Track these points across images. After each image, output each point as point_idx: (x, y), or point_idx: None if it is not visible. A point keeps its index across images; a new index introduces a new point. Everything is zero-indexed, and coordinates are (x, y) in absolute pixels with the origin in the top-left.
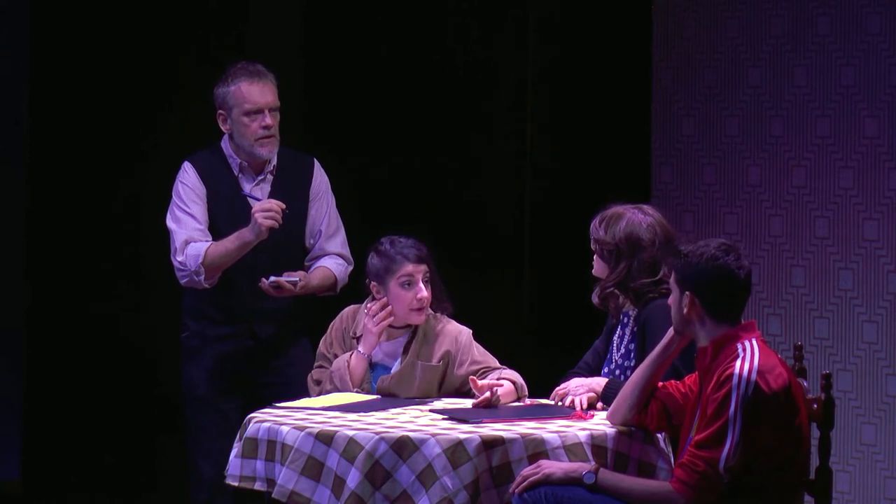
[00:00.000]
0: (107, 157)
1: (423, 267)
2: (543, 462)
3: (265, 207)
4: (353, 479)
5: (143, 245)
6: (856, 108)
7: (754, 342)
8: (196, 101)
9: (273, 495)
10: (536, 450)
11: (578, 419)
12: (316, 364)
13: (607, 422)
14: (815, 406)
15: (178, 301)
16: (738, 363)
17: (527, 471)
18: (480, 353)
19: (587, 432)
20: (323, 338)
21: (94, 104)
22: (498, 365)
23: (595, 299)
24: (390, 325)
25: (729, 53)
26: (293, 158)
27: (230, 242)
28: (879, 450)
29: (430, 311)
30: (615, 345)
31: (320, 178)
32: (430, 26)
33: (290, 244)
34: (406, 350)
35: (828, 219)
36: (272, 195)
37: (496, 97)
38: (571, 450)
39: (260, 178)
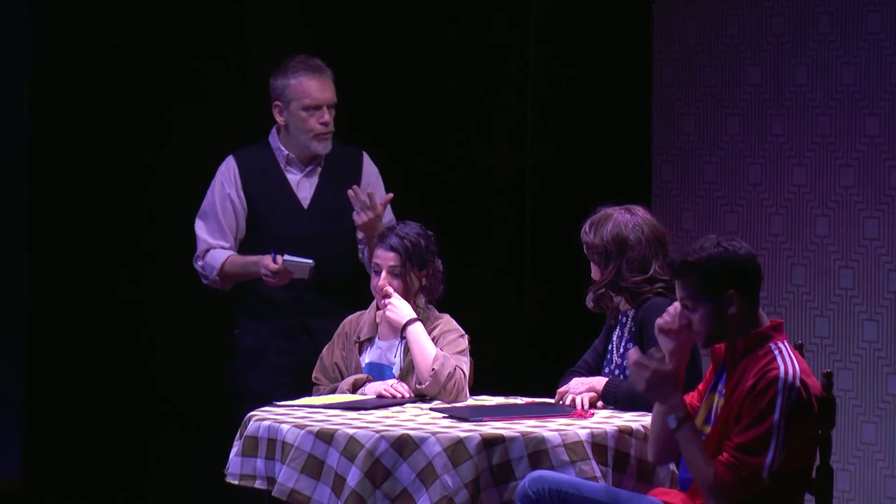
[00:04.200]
0: (107, 156)
1: (391, 255)
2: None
3: (273, 271)
4: (353, 477)
5: (144, 245)
6: (857, 107)
7: (787, 345)
8: (196, 99)
9: (273, 493)
10: (537, 448)
11: (579, 418)
12: (316, 370)
13: (608, 420)
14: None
15: (177, 301)
16: (782, 366)
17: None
18: (450, 343)
19: (587, 431)
20: (327, 345)
21: (95, 104)
22: (453, 358)
23: (589, 303)
24: (388, 323)
25: (729, 52)
26: (341, 152)
27: (243, 268)
28: (880, 448)
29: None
30: (614, 344)
31: (369, 171)
32: (430, 26)
33: (339, 237)
34: (407, 349)
35: (828, 217)
36: (319, 188)
37: (496, 97)
38: (572, 448)
39: (308, 169)
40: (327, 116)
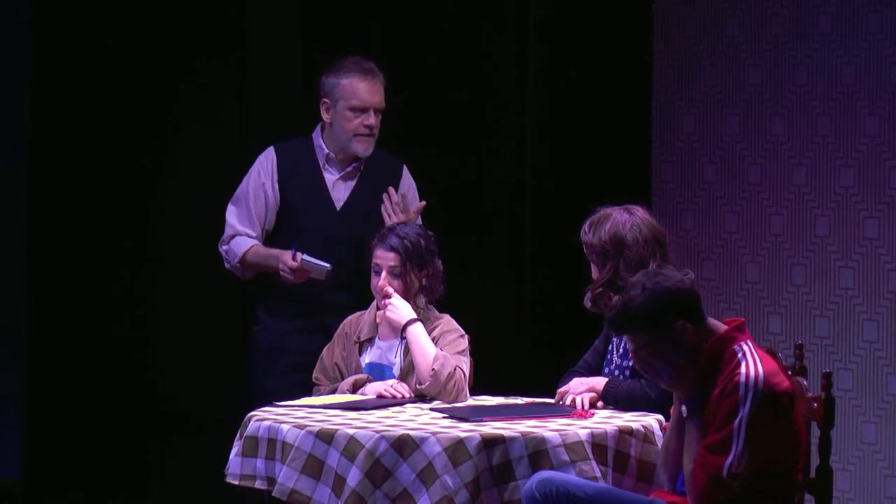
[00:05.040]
0: (107, 156)
1: (391, 255)
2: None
3: (291, 268)
4: (353, 477)
5: (145, 245)
6: (856, 107)
7: (751, 345)
8: (196, 99)
9: (273, 494)
10: (537, 448)
11: (579, 418)
12: (316, 370)
13: (608, 420)
14: (816, 405)
15: (177, 301)
16: (744, 370)
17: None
18: (450, 343)
19: (588, 431)
20: (327, 345)
21: (95, 104)
22: (453, 358)
23: (587, 302)
24: (389, 323)
25: (729, 52)
26: (381, 160)
27: (265, 259)
28: (880, 448)
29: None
30: (614, 344)
31: (407, 183)
32: (430, 26)
33: (367, 241)
34: (407, 349)
35: (828, 217)
36: (355, 191)
37: (496, 97)
38: (572, 448)
39: (346, 170)
40: (372, 120)
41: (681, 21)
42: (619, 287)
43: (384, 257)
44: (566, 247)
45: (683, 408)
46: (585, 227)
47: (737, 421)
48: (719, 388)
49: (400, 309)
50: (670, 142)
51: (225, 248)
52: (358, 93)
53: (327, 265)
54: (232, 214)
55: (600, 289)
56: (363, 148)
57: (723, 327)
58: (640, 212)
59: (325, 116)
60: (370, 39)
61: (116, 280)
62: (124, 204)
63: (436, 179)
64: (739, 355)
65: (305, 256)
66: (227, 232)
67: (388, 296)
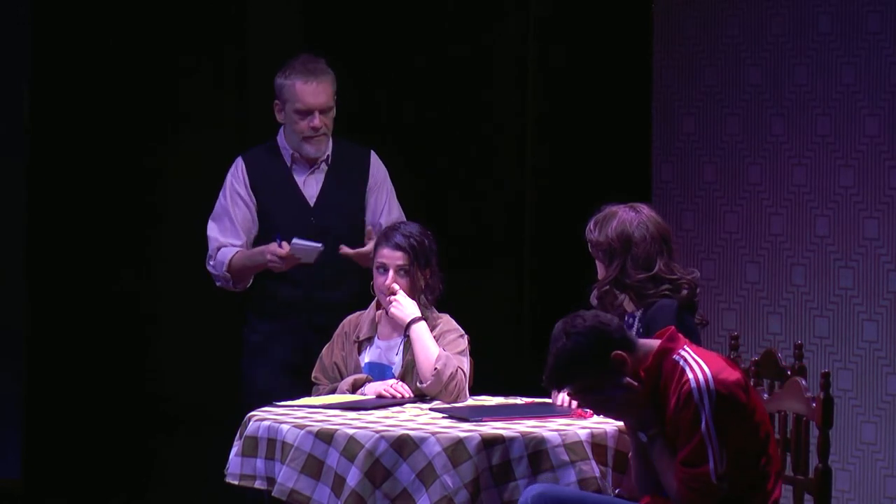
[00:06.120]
0: (107, 156)
1: (399, 254)
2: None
3: (280, 256)
4: (353, 477)
5: (145, 244)
6: (856, 107)
7: (689, 350)
8: (196, 99)
9: (273, 494)
10: (537, 448)
11: (579, 418)
12: (315, 370)
13: (607, 420)
14: (815, 405)
15: (177, 301)
16: (691, 375)
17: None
18: (450, 343)
19: (587, 431)
20: (327, 345)
21: (95, 104)
22: (455, 358)
23: (593, 300)
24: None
25: (729, 52)
26: (349, 151)
27: (250, 259)
28: (880, 448)
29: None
30: None
31: (377, 169)
32: (430, 24)
33: (345, 235)
34: (407, 348)
35: (828, 217)
36: (326, 186)
37: (496, 97)
38: (572, 448)
39: (314, 167)
40: (317, 121)
41: (681, 21)
42: (625, 285)
43: (391, 256)
44: (567, 247)
45: (641, 435)
46: (591, 225)
47: (703, 426)
48: (673, 401)
49: (405, 306)
50: (670, 142)
51: (212, 263)
52: (300, 95)
53: (318, 245)
54: (213, 230)
55: (607, 286)
56: (314, 149)
57: (656, 343)
58: (645, 209)
59: (278, 117)
60: (370, 39)
61: (116, 280)
62: (124, 204)
63: (435, 179)
64: (681, 363)
65: (296, 240)
66: (212, 246)
67: (394, 293)
